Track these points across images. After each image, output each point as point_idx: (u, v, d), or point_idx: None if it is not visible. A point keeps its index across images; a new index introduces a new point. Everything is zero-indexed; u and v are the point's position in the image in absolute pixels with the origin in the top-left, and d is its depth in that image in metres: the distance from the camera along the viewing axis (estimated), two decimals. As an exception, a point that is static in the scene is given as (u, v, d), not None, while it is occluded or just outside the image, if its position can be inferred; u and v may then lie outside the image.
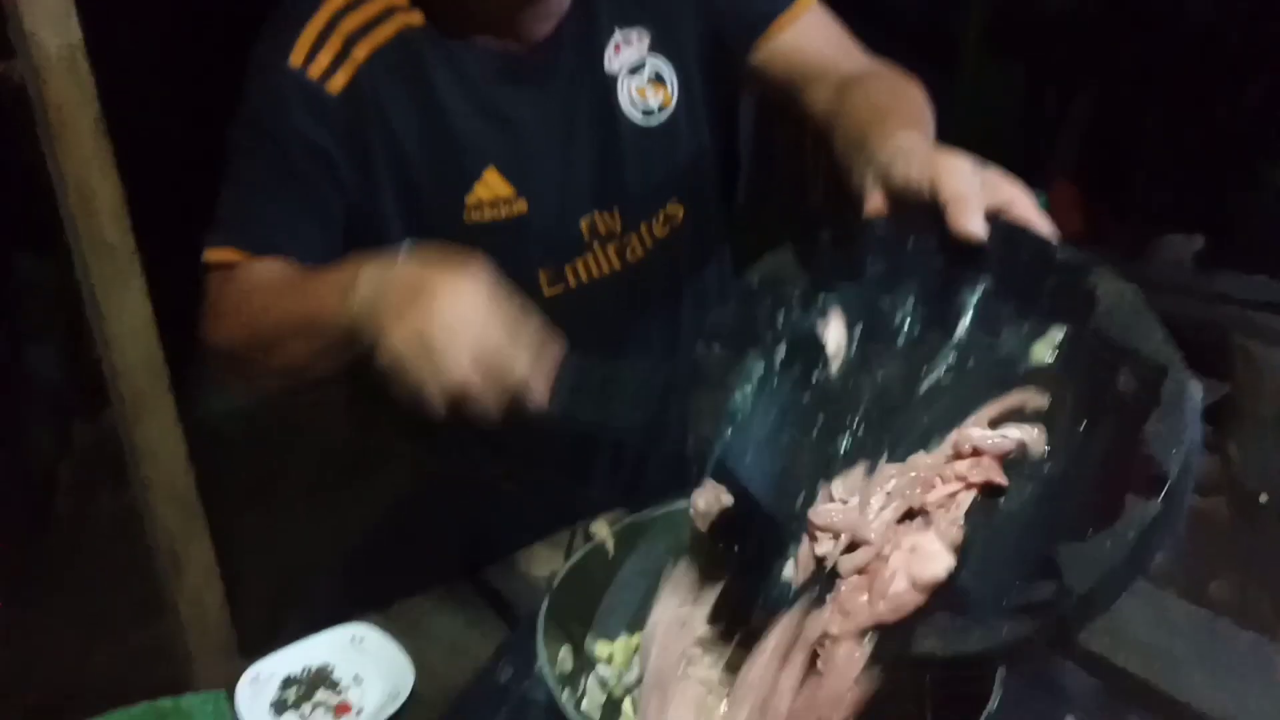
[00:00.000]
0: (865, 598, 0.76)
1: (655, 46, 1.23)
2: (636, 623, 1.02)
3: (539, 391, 0.92)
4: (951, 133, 0.99)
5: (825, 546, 0.82)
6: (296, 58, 1.13)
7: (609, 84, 1.22)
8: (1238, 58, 2.79)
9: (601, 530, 0.99)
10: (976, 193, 0.82)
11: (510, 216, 1.20)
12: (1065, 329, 0.79)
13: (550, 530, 1.27)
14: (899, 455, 0.83)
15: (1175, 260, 2.60)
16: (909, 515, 0.79)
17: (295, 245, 1.13)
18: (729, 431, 0.89)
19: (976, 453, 0.78)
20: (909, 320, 0.86)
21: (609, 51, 1.22)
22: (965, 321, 0.83)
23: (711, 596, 0.88)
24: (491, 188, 1.19)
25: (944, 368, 0.84)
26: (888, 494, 0.80)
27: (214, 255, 1.15)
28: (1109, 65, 3.02)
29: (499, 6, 1.15)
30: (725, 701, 0.95)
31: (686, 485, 0.92)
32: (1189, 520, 0.72)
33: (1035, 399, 0.79)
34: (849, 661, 0.75)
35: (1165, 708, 1.01)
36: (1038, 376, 0.79)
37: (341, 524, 1.82)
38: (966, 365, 0.83)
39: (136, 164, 1.60)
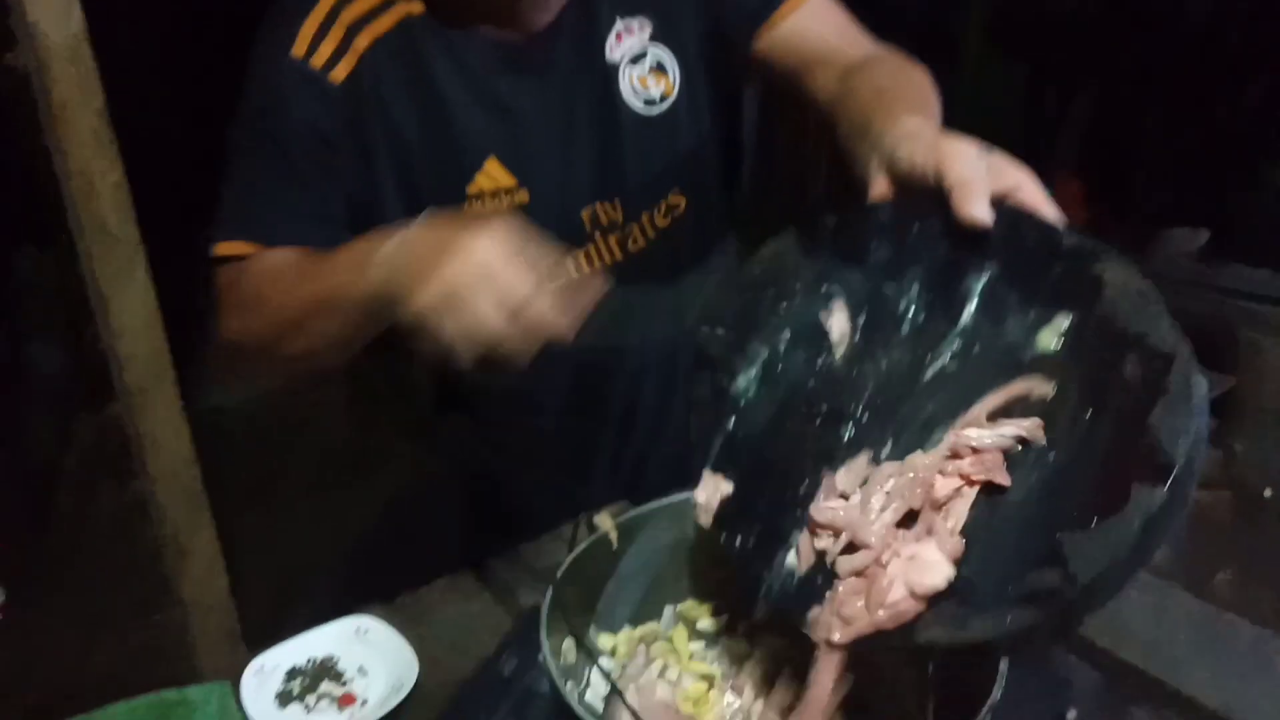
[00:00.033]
0: (862, 602, 0.76)
1: (657, 36, 1.23)
2: (639, 615, 1.02)
3: (567, 331, 0.91)
4: (953, 129, 0.99)
5: (825, 542, 0.82)
6: (299, 49, 1.12)
7: (610, 73, 1.21)
8: (1240, 53, 2.78)
9: (605, 522, 0.99)
10: (982, 177, 0.82)
11: (511, 207, 1.20)
12: (1071, 316, 0.78)
13: (554, 523, 1.27)
14: (902, 443, 0.82)
15: (1179, 255, 2.59)
16: (910, 516, 0.79)
17: (306, 234, 1.13)
18: (732, 419, 0.89)
19: (976, 452, 0.78)
20: (913, 307, 0.86)
21: (610, 41, 1.21)
22: (970, 308, 0.83)
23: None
24: (493, 178, 1.19)
25: (949, 355, 0.83)
26: (887, 494, 0.80)
27: (224, 249, 1.14)
28: (1111, 61, 3.01)
29: None
30: (728, 694, 0.96)
31: (688, 482, 0.92)
32: (1192, 515, 0.71)
33: (1040, 387, 0.78)
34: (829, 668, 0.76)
35: (1167, 701, 1.01)
36: (1043, 364, 0.79)
37: (346, 516, 1.82)
38: (971, 352, 0.82)
39: (140, 155, 1.60)
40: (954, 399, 0.81)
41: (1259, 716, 0.96)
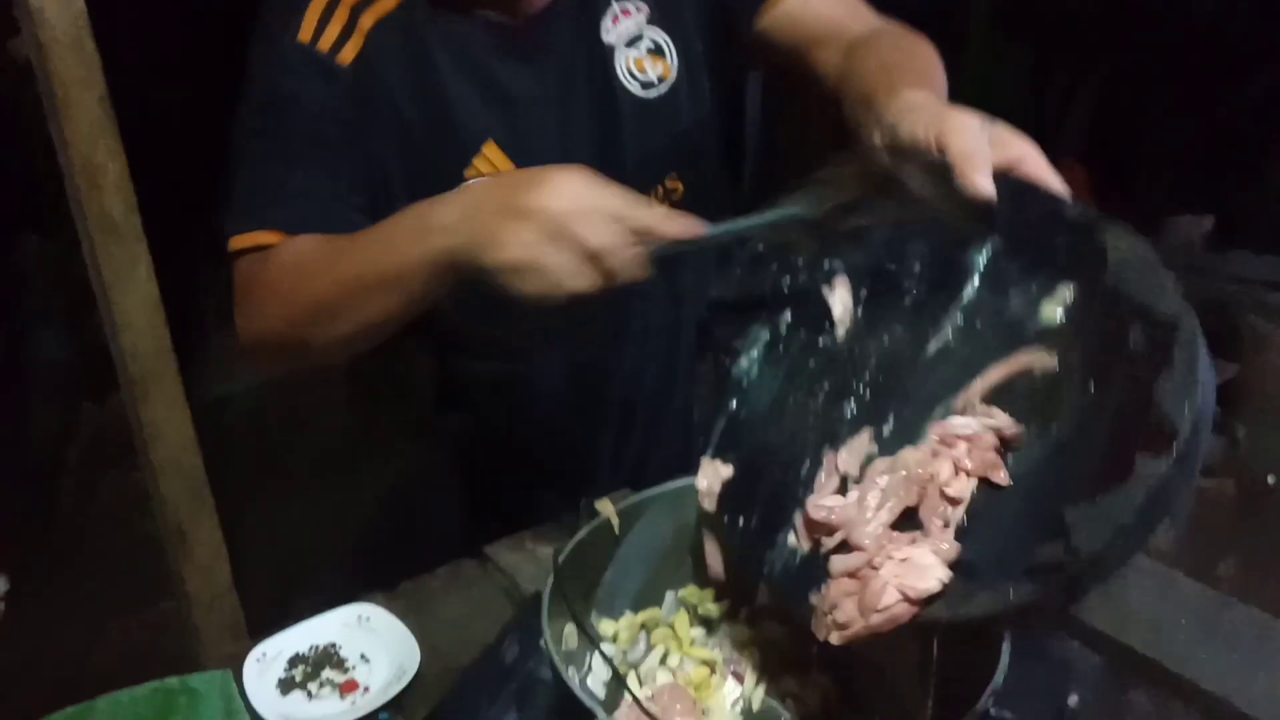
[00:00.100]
0: (854, 604, 0.76)
1: (654, 18, 1.22)
2: (640, 600, 1.02)
3: (677, 229, 0.89)
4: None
5: (819, 535, 0.82)
6: (305, 33, 1.12)
7: (607, 56, 1.21)
8: (1246, 40, 2.77)
9: (606, 508, 0.99)
10: (985, 150, 0.81)
11: None
12: (1074, 287, 0.77)
13: (555, 509, 1.27)
14: (905, 419, 0.82)
15: (1184, 241, 2.59)
16: (905, 514, 0.79)
17: (329, 220, 1.10)
18: (734, 400, 0.89)
19: (964, 439, 0.77)
20: (916, 282, 0.85)
21: (606, 22, 1.20)
22: (973, 282, 0.82)
23: None
24: (491, 162, 1.18)
25: (951, 330, 0.82)
26: (883, 491, 0.80)
27: (245, 240, 1.10)
28: (1117, 49, 3.00)
29: None
30: (730, 679, 0.95)
31: (690, 469, 0.91)
32: (1197, 500, 0.71)
33: (1043, 360, 0.78)
34: None
35: (1170, 686, 1.00)
36: (1047, 336, 0.78)
37: (348, 504, 1.82)
38: (974, 326, 0.82)
39: (143, 143, 1.60)
40: (957, 374, 0.81)
41: (1261, 702, 0.96)
